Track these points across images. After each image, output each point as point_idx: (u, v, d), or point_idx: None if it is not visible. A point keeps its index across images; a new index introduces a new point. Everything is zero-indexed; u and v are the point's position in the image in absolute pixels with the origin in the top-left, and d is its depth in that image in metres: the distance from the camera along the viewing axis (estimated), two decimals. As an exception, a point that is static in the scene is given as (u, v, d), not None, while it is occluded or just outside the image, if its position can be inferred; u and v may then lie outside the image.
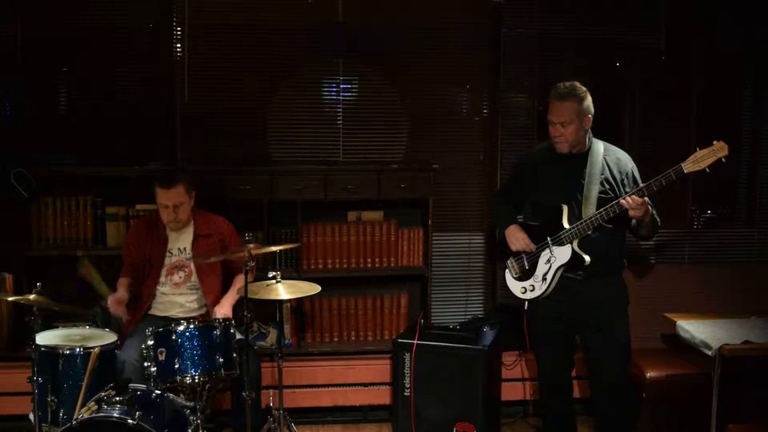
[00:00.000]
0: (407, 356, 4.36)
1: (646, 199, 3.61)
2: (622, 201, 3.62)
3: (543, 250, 3.86)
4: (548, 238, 3.83)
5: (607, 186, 3.78)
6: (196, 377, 3.70)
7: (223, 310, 4.06)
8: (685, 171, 3.54)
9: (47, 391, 3.61)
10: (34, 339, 3.58)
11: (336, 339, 4.88)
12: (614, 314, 3.86)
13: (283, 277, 3.96)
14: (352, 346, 4.83)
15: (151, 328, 3.76)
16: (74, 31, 4.67)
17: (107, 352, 3.75)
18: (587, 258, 3.76)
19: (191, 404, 3.65)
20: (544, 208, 3.90)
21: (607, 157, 3.82)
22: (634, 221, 3.74)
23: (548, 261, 3.83)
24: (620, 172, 3.81)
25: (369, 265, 4.84)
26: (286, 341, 4.69)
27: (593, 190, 3.76)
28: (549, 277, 3.83)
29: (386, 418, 4.70)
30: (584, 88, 3.77)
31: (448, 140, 5.00)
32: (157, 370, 3.69)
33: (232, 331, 3.84)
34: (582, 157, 3.81)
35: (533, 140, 4.93)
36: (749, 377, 4.14)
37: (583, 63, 4.97)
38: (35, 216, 4.59)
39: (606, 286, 3.84)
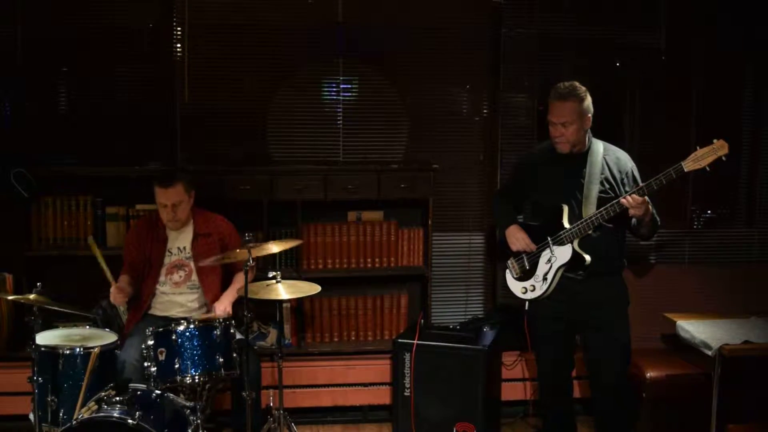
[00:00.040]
0: (407, 356, 4.36)
1: (647, 198, 3.62)
2: (623, 200, 3.62)
3: (543, 249, 3.86)
4: (549, 238, 3.82)
5: (607, 185, 3.78)
6: (196, 377, 3.70)
7: (222, 306, 4.06)
8: (686, 169, 3.54)
9: (47, 391, 3.61)
10: (34, 339, 3.58)
11: (336, 339, 4.88)
12: (614, 314, 3.86)
13: (283, 277, 3.95)
14: (352, 346, 4.83)
15: (151, 328, 3.76)
16: (74, 31, 4.67)
17: (107, 352, 3.75)
18: (588, 258, 3.75)
19: (191, 404, 3.64)
20: (545, 208, 3.90)
21: (607, 156, 3.82)
22: (634, 220, 3.74)
23: (549, 261, 3.83)
24: (620, 172, 3.81)
25: (369, 265, 4.84)
26: (286, 341, 4.69)
27: (593, 190, 3.76)
28: (550, 276, 3.83)
29: (386, 418, 4.70)
30: (584, 88, 3.77)
31: (448, 140, 4.99)
32: (157, 370, 3.69)
33: (232, 331, 3.85)
34: (582, 156, 3.81)
35: (533, 140, 4.93)
36: (749, 377, 4.14)
37: (583, 63, 4.97)
38: (35, 216, 4.59)
39: (606, 286, 3.84)
